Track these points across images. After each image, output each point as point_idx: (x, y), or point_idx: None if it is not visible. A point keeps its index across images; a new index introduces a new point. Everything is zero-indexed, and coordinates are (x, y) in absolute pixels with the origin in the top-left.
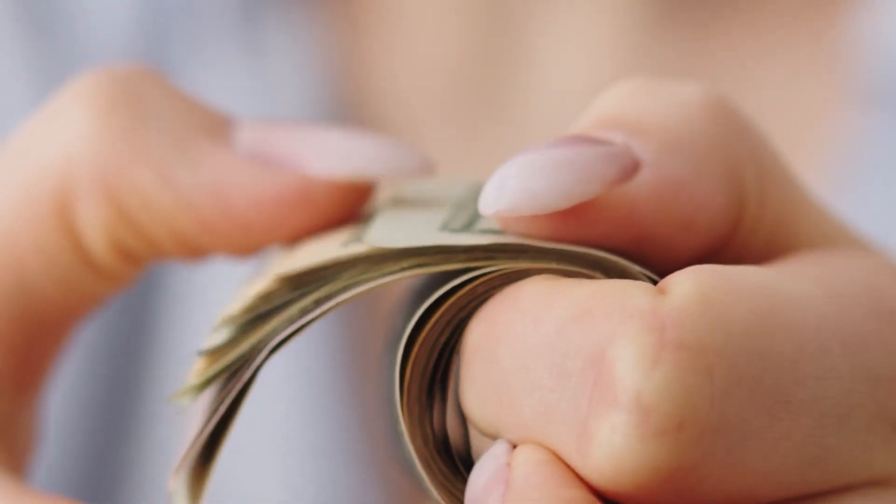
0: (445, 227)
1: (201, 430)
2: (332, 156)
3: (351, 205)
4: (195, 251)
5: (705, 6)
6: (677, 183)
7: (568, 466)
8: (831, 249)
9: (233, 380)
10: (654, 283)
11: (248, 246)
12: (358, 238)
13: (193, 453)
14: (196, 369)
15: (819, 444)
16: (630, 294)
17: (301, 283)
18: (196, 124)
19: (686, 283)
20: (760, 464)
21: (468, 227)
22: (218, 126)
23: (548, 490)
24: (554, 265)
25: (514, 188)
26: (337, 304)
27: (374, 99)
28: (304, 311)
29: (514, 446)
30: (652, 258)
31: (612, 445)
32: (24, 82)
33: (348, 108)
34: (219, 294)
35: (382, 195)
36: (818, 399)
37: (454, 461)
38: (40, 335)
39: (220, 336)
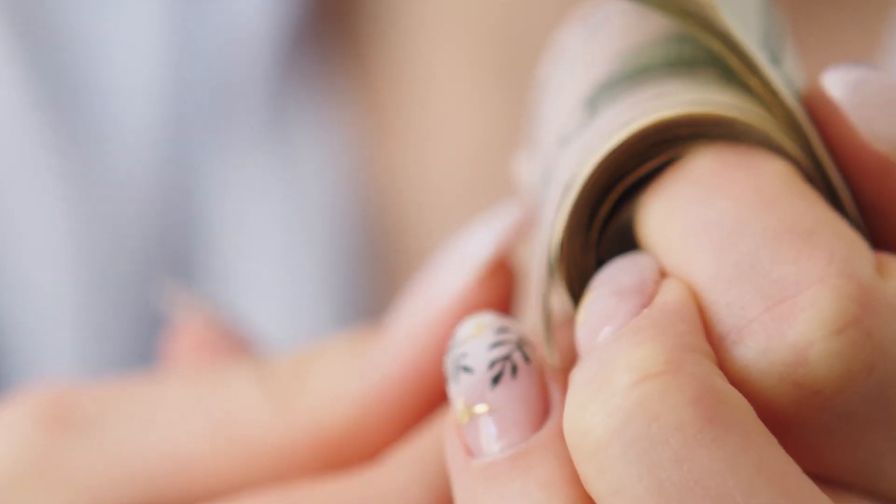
0: (765, 43)
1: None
2: (450, 273)
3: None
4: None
5: None
6: None
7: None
8: None
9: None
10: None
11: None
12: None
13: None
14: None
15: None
16: (858, 255)
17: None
18: (345, 347)
19: None
20: (837, 449)
21: (777, 59)
22: (359, 335)
23: (691, 324)
24: (801, 161)
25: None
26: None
27: (401, 193)
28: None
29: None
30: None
31: (754, 361)
32: (53, 192)
33: (375, 203)
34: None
35: None
36: None
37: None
38: None
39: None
